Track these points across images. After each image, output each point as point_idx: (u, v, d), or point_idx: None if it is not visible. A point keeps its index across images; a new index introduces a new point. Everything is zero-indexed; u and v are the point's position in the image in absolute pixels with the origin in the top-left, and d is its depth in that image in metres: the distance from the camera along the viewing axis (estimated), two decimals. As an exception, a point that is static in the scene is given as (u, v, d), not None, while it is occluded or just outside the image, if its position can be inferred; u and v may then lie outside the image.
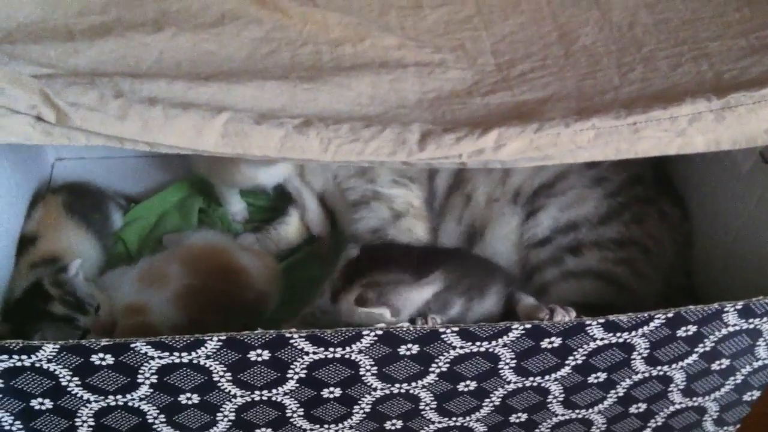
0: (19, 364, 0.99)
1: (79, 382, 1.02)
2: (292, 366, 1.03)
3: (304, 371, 1.04)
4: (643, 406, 1.18)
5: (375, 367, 1.05)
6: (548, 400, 1.13)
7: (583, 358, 1.07)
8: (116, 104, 0.97)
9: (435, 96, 1.11)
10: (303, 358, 1.03)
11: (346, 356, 1.03)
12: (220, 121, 0.98)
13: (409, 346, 1.02)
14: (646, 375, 1.12)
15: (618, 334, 1.04)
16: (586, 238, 1.27)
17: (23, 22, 1.12)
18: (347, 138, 1.01)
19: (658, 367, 1.11)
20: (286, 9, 1.19)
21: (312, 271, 1.44)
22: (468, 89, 1.12)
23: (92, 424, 1.08)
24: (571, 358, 1.06)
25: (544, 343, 1.04)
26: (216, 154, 1.00)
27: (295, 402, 1.09)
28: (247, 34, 1.16)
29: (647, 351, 1.07)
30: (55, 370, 1.00)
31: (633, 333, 1.04)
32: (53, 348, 0.98)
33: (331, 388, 1.07)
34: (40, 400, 1.04)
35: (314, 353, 1.02)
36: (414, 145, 1.01)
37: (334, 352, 1.02)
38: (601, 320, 1.01)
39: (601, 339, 1.04)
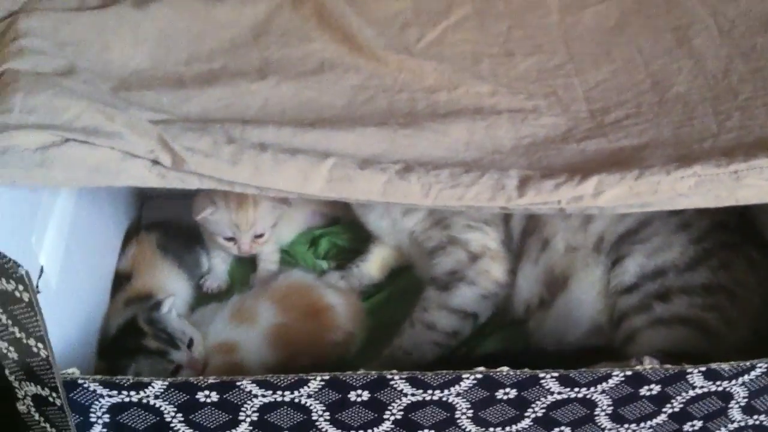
0: (127, 399, 1.02)
1: (182, 419, 1.05)
2: (389, 407, 1.05)
3: (401, 413, 1.06)
4: (735, 456, 1.16)
5: (471, 411, 1.06)
6: (641, 448, 1.13)
7: (681, 405, 1.06)
8: (229, 150, 1.01)
9: (530, 142, 1.13)
10: (401, 400, 1.04)
11: (444, 399, 1.04)
12: (326, 167, 1.02)
13: (507, 390, 1.03)
14: (743, 424, 1.11)
15: (718, 383, 1.03)
16: (674, 284, 1.26)
17: (136, 69, 1.17)
18: (447, 183, 1.03)
19: (755, 417, 1.10)
20: (383, 57, 1.22)
21: (395, 311, 1.45)
22: (563, 135, 1.14)
23: (192, 459, 1.10)
24: (668, 405, 1.06)
25: (643, 390, 1.04)
26: (321, 198, 1.03)
27: (390, 443, 1.10)
28: (346, 82, 1.20)
29: (745, 400, 1.07)
30: (160, 406, 1.03)
31: (733, 381, 1.03)
32: (162, 385, 1.01)
33: (426, 430, 1.08)
34: (142, 435, 1.07)
35: (413, 395, 1.03)
36: (513, 191, 1.03)
37: (432, 394, 1.03)
38: (703, 368, 1.01)
39: (701, 387, 1.04)
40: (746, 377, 1.03)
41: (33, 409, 1.02)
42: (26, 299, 0.88)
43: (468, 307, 1.33)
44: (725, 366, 1.01)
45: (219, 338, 1.31)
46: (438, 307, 1.32)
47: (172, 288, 1.40)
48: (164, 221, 1.52)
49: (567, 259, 1.31)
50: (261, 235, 1.42)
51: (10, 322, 0.91)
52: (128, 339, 1.27)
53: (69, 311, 1.17)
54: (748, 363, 1.01)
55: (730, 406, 1.07)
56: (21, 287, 0.87)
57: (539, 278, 1.34)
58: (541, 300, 1.34)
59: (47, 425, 1.03)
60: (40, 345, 0.93)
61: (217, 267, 1.51)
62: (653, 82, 1.20)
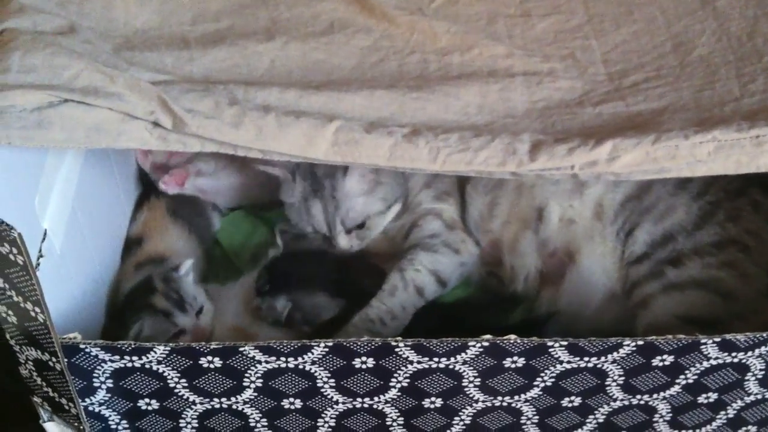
0: (129, 365, 1.02)
1: (186, 384, 1.04)
2: (395, 375, 1.03)
3: (407, 380, 1.04)
4: (752, 429, 1.13)
5: (479, 379, 1.04)
6: (654, 419, 1.10)
7: (695, 377, 1.04)
8: (231, 112, 0.98)
9: (544, 105, 1.10)
10: (407, 367, 1.02)
11: (451, 367, 1.02)
12: (330, 130, 0.99)
13: (515, 358, 1.01)
14: (759, 397, 1.08)
15: (733, 354, 1.00)
16: (685, 247, 1.22)
17: (140, 28, 1.15)
18: (456, 147, 1.00)
19: (773, 390, 1.07)
20: (394, 18, 1.19)
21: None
22: (578, 99, 1.10)
23: (196, 425, 1.09)
24: (682, 377, 1.03)
25: (656, 361, 1.01)
26: (327, 162, 1.00)
27: (396, 411, 1.08)
28: (356, 43, 1.17)
29: (762, 372, 1.04)
30: (164, 371, 1.02)
31: (749, 353, 1.00)
32: (164, 350, 1.00)
33: (433, 398, 1.07)
34: (147, 400, 1.06)
35: (419, 362, 1.01)
36: (524, 155, 1.00)
37: (439, 362, 1.01)
38: (717, 339, 0.98)
39: (715, 358, 1.01)
40: (763, 349, 1.00)
41: (35, 374, 1.01)
42: (21, 262, 0.87)
43: (445, 274, 1.29)
44: (740, 337, 0.98)
45: (235, 323, 1.29)
46: (428, 272, 1.28)
47: (183, 252, 1.39)
48: (176, 186, 1.51)
49: (565, 233, 1.27)
50: None
51: (7, 285, 0.90)
52: (138, 297, 1.26)
53: (75, 275, 1.16)
54: (765, 334, 0.98)
55: (746, 378, 1.04)
56: (15, 250, 0.86)
57: (538, 249, 1.30)
58: (540, 273, 1.30)
59: (49, 390, 1.03)
60: (37, 309, 0.92)
61: None
62: (675, 44, 1.16)
